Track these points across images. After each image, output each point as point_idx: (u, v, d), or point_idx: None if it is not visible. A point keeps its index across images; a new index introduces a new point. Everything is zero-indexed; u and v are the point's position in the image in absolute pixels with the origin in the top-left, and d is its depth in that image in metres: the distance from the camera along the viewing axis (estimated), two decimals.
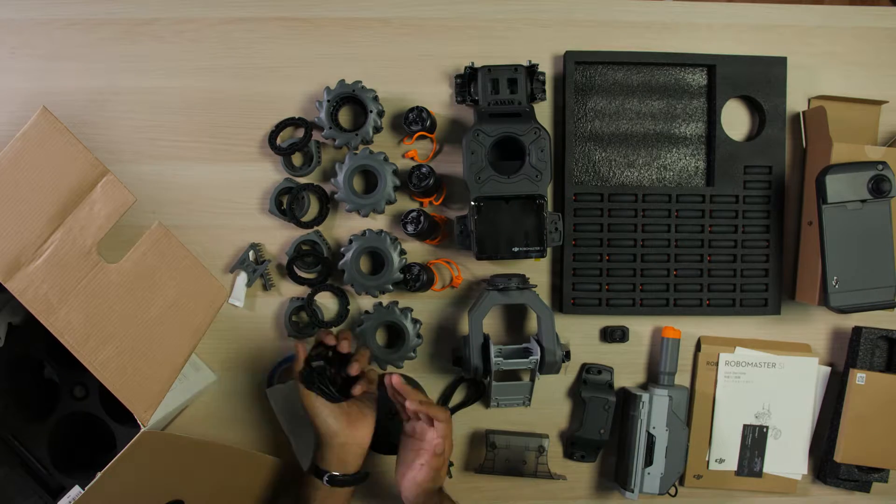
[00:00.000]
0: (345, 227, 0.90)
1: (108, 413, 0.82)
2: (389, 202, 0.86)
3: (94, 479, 0.59)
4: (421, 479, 0.75)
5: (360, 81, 0.86)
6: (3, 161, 0.58)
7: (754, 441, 0.91)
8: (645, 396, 0.86)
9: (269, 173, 0.89)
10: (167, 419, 0.83)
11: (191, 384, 0.84)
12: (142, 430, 0.59)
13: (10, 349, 0.80)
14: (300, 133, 0.88)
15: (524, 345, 0.86)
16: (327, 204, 0.89)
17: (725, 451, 0.91)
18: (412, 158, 0.90)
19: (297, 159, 0.90)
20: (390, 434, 0.86)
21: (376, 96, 0.86)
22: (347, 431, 0.77)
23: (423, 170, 0.84)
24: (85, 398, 0.82)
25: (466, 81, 0.86)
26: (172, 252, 0.65)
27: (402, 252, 0.87)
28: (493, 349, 0.82)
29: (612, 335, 0.90)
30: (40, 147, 0.59)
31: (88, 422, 0.81)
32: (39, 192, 0.59)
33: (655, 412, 0.86)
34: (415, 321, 0.87)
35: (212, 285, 0.69)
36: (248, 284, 0.89)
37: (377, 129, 0.86)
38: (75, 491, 0.77)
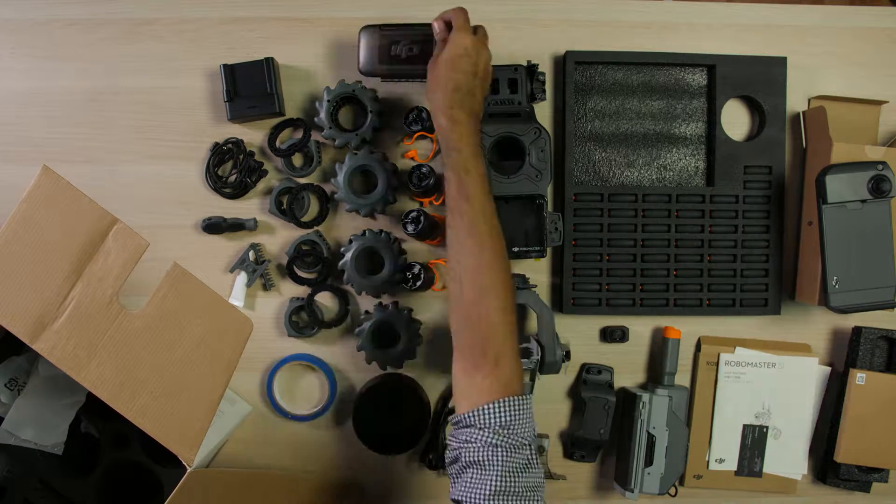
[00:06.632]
0: (345, 227, 0.90)
1: (152, 458, 0.82)
2: (389, 202, 0.86)
3: None
4: (437, 74, 0.72)
5: (360, 81, 0.86)
6: (12, 225, 0.58)
7: (754, 441, 0.91)
8: (645, 396, 0.86)
9: (270, 173, 0.89)
10: (210, 456, 0.83)
11: (228, 419, 0.85)
12: (188, 471, 0.60)
13: None
14: (299, 133, 0.88)
15: (524, 345, 0.86)
16: (327, 204, 0.89)
17: (725, 451, 0.91)
18: (412, 158, 0.90)
19: (297, 160, 0.89)
20: (390, 434, 0.86)
21: (376, 96, 0.86)
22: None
23: (423, 170, 0.84)
24: (127, 446, 0.82)
25: None
26: (192, 291, 0.65)
27: (402, 252, 0.87)
28: None
29: (612, 335, 0.90)
30: (46, 206, 0.59)
31: (133, 470, 0.82)
32: (52, 250, 0.59)
33: (655, 412, 0.86)
34: (415, 321, 0.87)
35: (236, 318, 0.69)
36: (248, 284, 0.88)
37: (377, 129, 0.86)
38: None
